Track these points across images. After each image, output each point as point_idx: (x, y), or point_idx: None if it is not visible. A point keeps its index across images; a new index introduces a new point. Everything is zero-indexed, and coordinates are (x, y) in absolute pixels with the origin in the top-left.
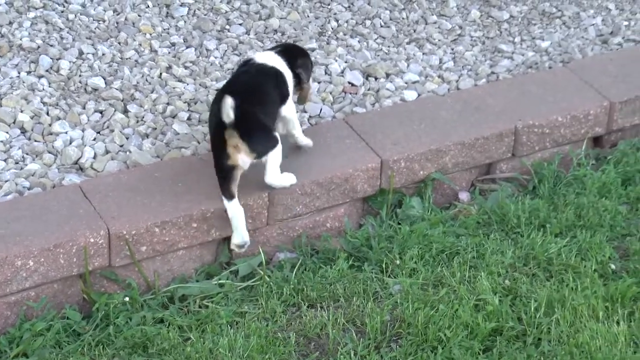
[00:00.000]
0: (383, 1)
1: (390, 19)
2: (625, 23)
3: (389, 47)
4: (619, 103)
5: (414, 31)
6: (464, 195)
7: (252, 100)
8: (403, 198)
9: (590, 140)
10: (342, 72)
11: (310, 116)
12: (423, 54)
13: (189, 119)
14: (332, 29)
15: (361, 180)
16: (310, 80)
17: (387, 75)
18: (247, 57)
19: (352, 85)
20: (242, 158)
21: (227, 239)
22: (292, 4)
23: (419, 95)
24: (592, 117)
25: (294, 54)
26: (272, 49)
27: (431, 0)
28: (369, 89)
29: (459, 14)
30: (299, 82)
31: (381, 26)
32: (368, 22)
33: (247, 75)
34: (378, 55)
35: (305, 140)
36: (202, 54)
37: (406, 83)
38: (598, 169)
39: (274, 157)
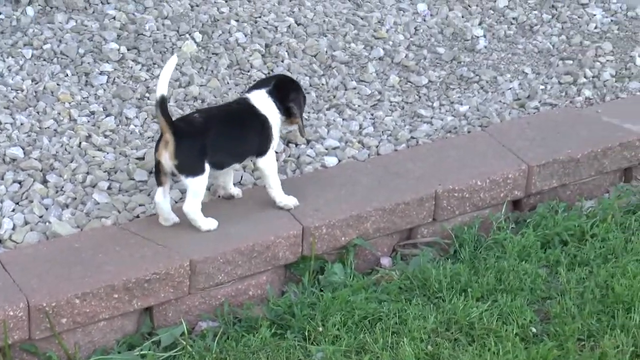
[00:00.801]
0: (303, 67)
1: (310, 85)
2: (542, 87)
3: (309, 113)
4: (537, 166)
5: (334, 97)
6: (385, 261)
7: (218, 127)
8: (325, 264)
9: (509, 204)
10: None
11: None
12: (343, 119)
13: (109, 188)
14: None
15: (283, 247)
16: (302, 115)
17: (308, 141)
18: (242, 96)
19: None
20: (165, 156)
21: (149, 309)
22: (212, 71)
23: (339, 161)
24: (511, 181)
25: (286, 89)
26: (265, 84)
27: (350, 65)
28: (289, 156)
29: (378, 80)
30: (290, 116)
31: None
32: None
33: (233, 108)
34: None
35: (285, 201)
36: (121, 123)
37: (327, 149)
38: (518, 232)
39: (195, 185)
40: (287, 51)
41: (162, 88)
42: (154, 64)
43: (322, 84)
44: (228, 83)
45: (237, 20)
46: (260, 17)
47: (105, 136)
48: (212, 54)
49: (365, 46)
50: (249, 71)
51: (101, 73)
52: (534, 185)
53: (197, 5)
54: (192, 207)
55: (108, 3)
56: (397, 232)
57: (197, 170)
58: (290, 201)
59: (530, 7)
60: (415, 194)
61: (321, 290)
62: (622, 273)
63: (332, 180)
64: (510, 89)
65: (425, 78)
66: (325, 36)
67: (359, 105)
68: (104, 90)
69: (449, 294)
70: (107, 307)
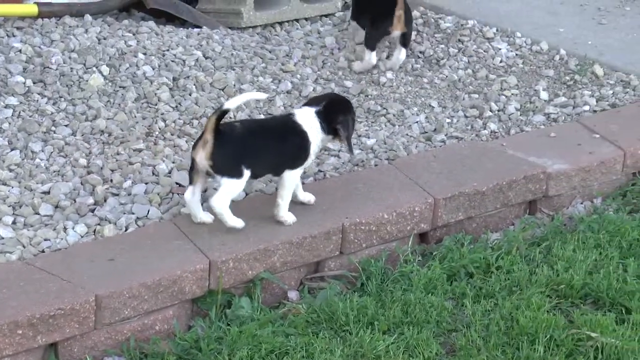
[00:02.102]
0: (210, 101)
1: None
2: (448, 120)
3: None
4: (443, 199)
5: None
6: (293, 294)
7: (258, 138)
8: (232, 298)
9: (416, 237)
10: (170, 172)
11: (138, 217)
12: None
13: (14, 222)
14: (160, 129)
15: (189, 281)
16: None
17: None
18: (289, 111)
19: (180, 185)
20: (201, 156)
21: (54, 345)
22: (119, 104)
23: (247, 194)
24: (418, 214)
25: (336, 110)
26: (316, 103)
27: (258, 99)
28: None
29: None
30: (336, 135)
31: None
32: (195, 122)
33: (276, 121)
34: None
35: (286, 217)
36: (27, 156)
37: None
38: (424, 265)
39: (230, 186)
40: (194, 84)
41: (232, 104)
42: (60, 97)
43: (230, 117)
44: (135, 116)
45: (144, 54)
46: (168, 50)
47: (10, 170)
48: (120, 87)
49: (273, 79)
50: (156, 104)
51: (6, 106)
52: (440, 218)
53: (104, 39)
54: (221, 202)
55: (14, 36)
56: (305, 266)
57: (234, 173)
58: (290, 218)
59: (437, 41)
60: (323, 227)
61: (228, 325)
62: (527, 305)
63: (240, 214)
64: (417, 122)
65: None
66: (233, 69)
67: None
68: (9, 123)
69: (355, 327)
70: (11, 344)
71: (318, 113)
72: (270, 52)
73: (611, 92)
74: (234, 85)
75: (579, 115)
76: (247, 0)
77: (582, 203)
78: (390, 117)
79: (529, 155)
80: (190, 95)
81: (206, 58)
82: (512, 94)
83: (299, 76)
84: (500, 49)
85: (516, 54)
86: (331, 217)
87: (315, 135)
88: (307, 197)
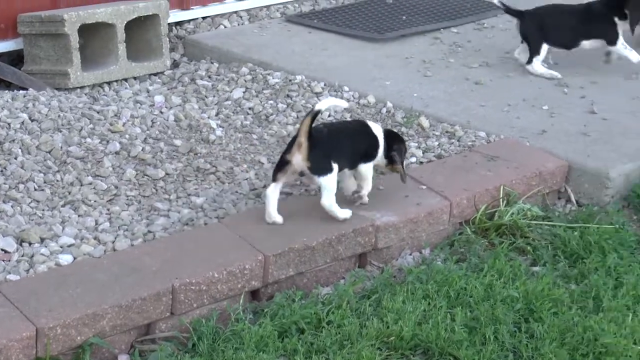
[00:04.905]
0: (37, 164)
1: (45, 182)
2: None
3: (43, 210)
4: (273, 256)
5: (69, 193)
6: (123, 358)
7: (341, 137)
8: None
9: (247, 294)
10: None
11: None
12: (79, 216)
13: None
14: None
15: (16, 350)
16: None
17: (42, 239)
18: (360, 119)
19: (5, 252)
20: (297, 157)
21: None
22: None
23: (74, 258)
24: (248, 272)
25: (393, 138)
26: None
27: (86, 161)
28: (22, 255)
29: (114, 174)
30: (391, 162)
31: (35, 190)
32: (22, 186)
33: (354, 124)
34: (32, 220)
35: (366, 199)
36: None
37: (61, 247)
38: (256, 322)
39: (328, 182)
40: (20, 148)
41: (323, 105)
42: None
43: (57, 180)
44: None
45: None
46: None
47: None
48: None
49: (101, 140)
50: None
51: None
52: (271, 274)
53: None
54: (328, 200)
55: None
56: (135, 328)
57: (327, 170)
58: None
59: (266, 97)
60: (152, 289)
61: None
62: (357, 359)
63: (67, 279)
64: (246, 179)
65: (162, 171)
66: (60, 131)
67: (94, 201)
68: None
69: None
70: None
71: (384, 133)
72: (98, 112)
73: (437, 143)
74: (61, 147)
75: (406, 167)
76: (73, 60)
77: (411, 254)
78: (219, 174)
79: (357, 208)
80: (15, 159)
81: (32, 120)
82: None
83: (127, 136)
84: None
85: (344, 108)
86: (161, 278)
87: (382, 143)
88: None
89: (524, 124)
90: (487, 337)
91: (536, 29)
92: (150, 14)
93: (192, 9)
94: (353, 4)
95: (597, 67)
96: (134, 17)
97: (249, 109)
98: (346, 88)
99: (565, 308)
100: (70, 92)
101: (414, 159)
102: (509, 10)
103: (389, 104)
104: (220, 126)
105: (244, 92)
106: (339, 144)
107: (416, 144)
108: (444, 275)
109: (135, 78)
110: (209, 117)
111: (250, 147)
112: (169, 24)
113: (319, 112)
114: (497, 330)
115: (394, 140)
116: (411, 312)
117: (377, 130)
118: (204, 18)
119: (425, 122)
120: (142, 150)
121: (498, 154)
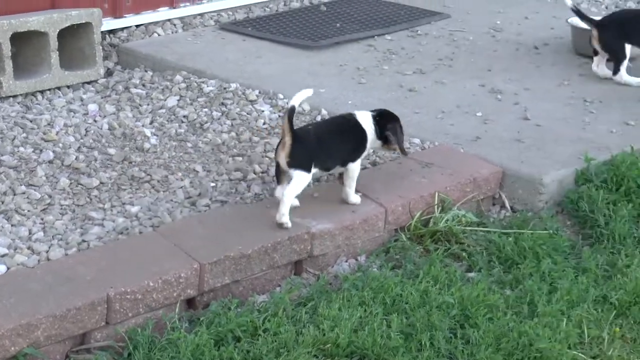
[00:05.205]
0: None
1: None
2: (212, 184)
3: None
4: (208, 264)
5: (2, 203)
6: None
7: (327, 137)
8: None
9: (183, 303)
10: None
11: None
12: (12, 225)
13: None
14: None
15: None
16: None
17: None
18: (349, 112)
19: None
20: (281, 156)
21: None
22: None
23: (8, 268)
24: (184, 280)
25: (385, 118)
26: (371, 111)
27: (19, 170)
28: None
29: (48, 183)
30: (386, 142)
31: None
32: None
33: (340, 119)
34: None
35: (354, 199)
36: None
37: None
38: (191, 331)
39: (300, 179)
40: None
41: (296, 100)
42: None
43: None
44: None
45: None
46: None
47: None
48: None
49: (35, 149)
50: None
51: None
52: (206, 283)
53: None
54: (291, 193)
55: None
56: (70, 338)
57: (304, 168)
58: (357, 199)
59: (201, 105)
60: (87, 298)
61: None
62: None
63: (0, 289)
64: (181, 187)
65: (97, 180)
66: None
67: (28, 210)
68: None
69: None
70: None
71: (374, 117)
72: (31, 121)
73: (372, 150)
74: None
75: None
76: (6, 69)
77: (346, 261)
78: (154, 183)
79: (293, 216)
80: None
81: None
82: None
83: (61, 145)
84: (263, 111)
85: (279, 116)
86: (95, 287)
87: (372, 134)
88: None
89: (458, 131)
90: (423, 343)
91: (618, 36)
92: (83, 22)
93: (126, 17)
94: (287, 12)
95: (530, 73)
96: (67, 25)
97: (184, 117)
98: (281, 95)
99: (501, 313)
100: (3, 101)
101: None
102: (585, 18)
103: (324, 112)
104: (154, 134)
105: (178, 100)
106: (324, 145)
107: None
108: (380, 282)
109: (68, 87)
110: (143, 126)
111: (185, 156)
112: (102, 32)
113: (294, 108)
114: (433, 337)
115: (387, 120)
116: (347, 319)
117: (366, 120)
118: (137, 26)
119: None
120: (75, 159)
121: (432, 160)
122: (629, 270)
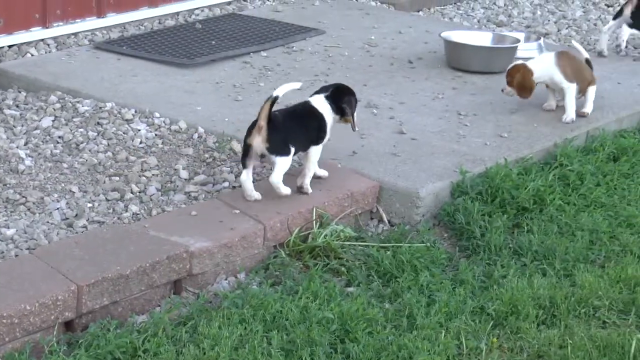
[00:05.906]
0: None
1: None
2: (89, 205)
3: None
4: (86, 286)
5: None
6: None
7: (293, 121)
8: None
9: (61, 326)
10: None
11: None
12: None
13: None
14: None
15: None
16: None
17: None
18: (305, 100)
19: None
20: (257, 140)
21: None
22: None
23: None
24: (61, 303)
25: (341, 91)
26: (323, 91)
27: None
28: None
29: None
30: (342, 114)
31: None
32: None
33: (300, 108)
34: None
35: (309, 187)
36: None
37: None
38: (70, 354)
39: (283, 162)
40: None
41: (280, 91)
42: None
43: None
44: None
45: None
46: None
47: None
48: None
49: None
50: None
51: None
52: (84, 305)
53: None
54: (277, 178)
55: None
56: None
57: (285, 152)
58: (310, 189)
59: (76, 125)
60: None
61: None
62: None
63: None
64: (57, 209)
65: None
66: None
67: None
68: None
69: None
70: None
71: (327, 97)
72: None
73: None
74: None
75: (219, 192)
76: None
77: (226, 279)
78: (30, 205)
79: (171, 235)
80: None
81: None
82: (153, 175)
83: None
84: (139, 130)
85: (156, 134)
86: None
87: (329, 116)
88: (322, 172)
89: (334, 146)
90: (303, 359)
91: None
92: None
93: None
94: (162, 30)
95: (405, 88)
96: None
97: (59, 137)
98: (157, 114)
99: (380, 327)
100: None
101: (226, 184)
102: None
103: (201, 129)
104: (29, 156)
105: (53, 121)
106: (293, 128)
107: (229, 169)
108: (260, 299)
109: None
110: (17, 147)
111: (60, 177)
112: None
113: (277, 97)
114: (313, 352)
115: (343, 94)
116: (227, 337)
117: (320, 103)
118: (9, 46)
119: (237, 147)
120: None
121: None
122: (505, 280)
